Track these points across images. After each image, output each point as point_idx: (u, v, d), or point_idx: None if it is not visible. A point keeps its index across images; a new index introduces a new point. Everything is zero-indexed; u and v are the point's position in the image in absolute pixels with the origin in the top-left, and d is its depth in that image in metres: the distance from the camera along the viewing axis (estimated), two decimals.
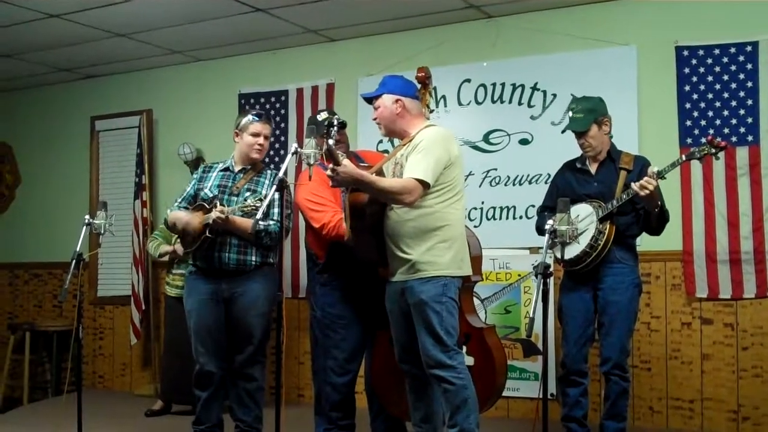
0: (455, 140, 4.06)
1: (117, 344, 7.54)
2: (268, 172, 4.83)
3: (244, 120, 4.77)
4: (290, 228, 4.64)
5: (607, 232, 4.38)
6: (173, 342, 6.19)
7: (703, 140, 4.45)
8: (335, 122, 3.69)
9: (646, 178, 4.21)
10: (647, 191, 4.21)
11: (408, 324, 3.96)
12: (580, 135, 4.54)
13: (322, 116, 4.57)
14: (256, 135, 4.73)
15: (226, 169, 4.81)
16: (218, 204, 4.53)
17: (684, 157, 4.31)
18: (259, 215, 3.98)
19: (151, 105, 7.38)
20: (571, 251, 4.37)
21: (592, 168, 4.60)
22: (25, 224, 8.17)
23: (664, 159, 4.35)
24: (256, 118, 4.76)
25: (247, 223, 4.49)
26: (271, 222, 4.58)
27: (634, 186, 4.25)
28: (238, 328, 4.69)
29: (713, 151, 4.24)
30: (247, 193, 4.64)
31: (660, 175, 4.23)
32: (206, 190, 4.74)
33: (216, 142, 6.75)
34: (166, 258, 6.18)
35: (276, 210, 4.52)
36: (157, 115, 7.39)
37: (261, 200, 4.42)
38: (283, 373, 4.68)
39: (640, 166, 4.42)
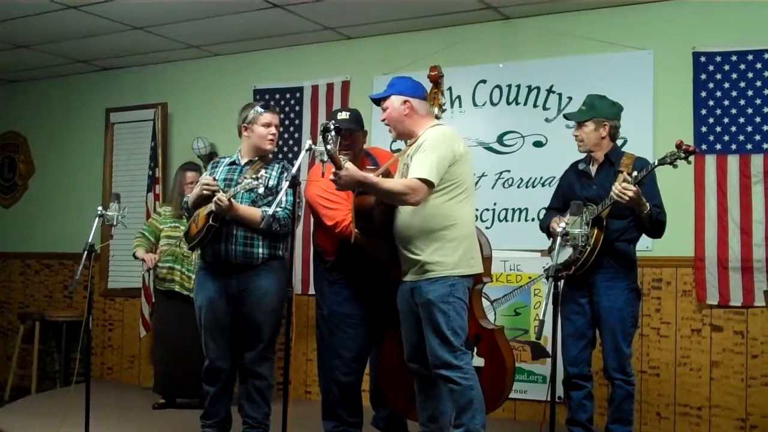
0: (460, 138, 4.03)
1: (126, 336, 7.57)
2: (276, 165, 4.72)
3: (252, 112, 4.67)
4: (301, 216, 4.54)
5: (594, 237, 4.30)
6: (161, 336, 6.23)
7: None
8: (331, 127, 3.65)
9: (624, 184, 4.14)
10: (627, 197, 4.14)
11: (418, 324, 3.96)
12: (577, 126, 4.54)
13: (342, 115, 4.55)
14: (267, 125, 4.65)
15: (233, 163, 4.75)
16: (219, 192, 4.47)
17: (656, 162, 4.22)
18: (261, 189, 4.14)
19: (167, 98, 7.41)
20: (563, 255, 4.27)
21: (592, 170, 4.56)
22: (37, 214, 8.20)
23: (678, 164, 4.32)
24: (265, 109, 4.69)
25: (252, 211, 4.50)
26: (279, 209, 4.45)
27: (613, 193, 4.19)
28: (247, 325, 4.64)
29: (682, 155, 4.14)
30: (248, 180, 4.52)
31: (636, 181, 4.16)
32: None
33: (230, 138, 6.63)
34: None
35: (285, 198, 4.43)
36: (172, 108, 7.42)
37: (257, 178, 4.38)
38: (292, 369, 4.68)
39: (639, 168, 4.29)
